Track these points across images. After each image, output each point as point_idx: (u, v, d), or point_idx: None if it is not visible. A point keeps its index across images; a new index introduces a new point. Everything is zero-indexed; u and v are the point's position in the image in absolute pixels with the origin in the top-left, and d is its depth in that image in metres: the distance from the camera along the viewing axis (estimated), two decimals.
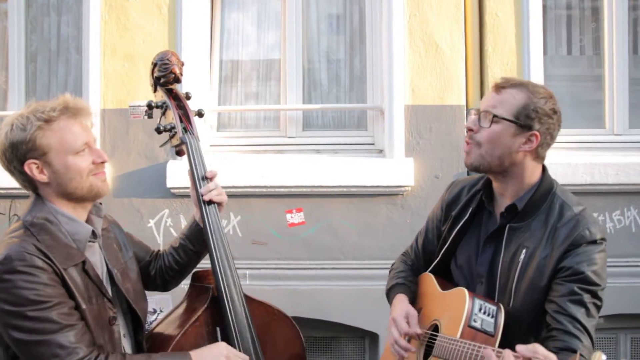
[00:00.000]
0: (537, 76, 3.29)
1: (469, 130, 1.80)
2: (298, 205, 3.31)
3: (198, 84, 3.39)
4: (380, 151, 3.43)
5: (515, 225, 1.79)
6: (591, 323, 1.67)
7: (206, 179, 1.83)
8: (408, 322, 1.82)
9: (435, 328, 1.81)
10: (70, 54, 3.69)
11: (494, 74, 3.30)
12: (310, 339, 3.37)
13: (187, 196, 3.37)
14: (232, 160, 3.39)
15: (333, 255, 3.29)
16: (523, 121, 1.75)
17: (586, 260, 1.69)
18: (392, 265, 2.16)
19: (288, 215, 3.32)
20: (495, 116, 1.75)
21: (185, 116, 1.77)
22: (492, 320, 1.69)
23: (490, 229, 1.86)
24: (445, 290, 1.87)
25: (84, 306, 1.55)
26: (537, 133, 1.75)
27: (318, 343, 3.39)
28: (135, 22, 3.40)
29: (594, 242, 1.71)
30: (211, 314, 1.79)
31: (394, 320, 1.85)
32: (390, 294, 2.03)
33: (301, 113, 3.54)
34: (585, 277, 1.67)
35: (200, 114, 1.85)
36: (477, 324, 1.67)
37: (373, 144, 3.48)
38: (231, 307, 1.77)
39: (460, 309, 1.70)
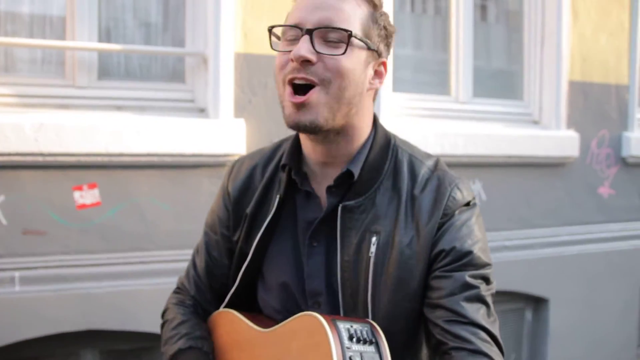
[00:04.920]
0: None
1: (304, 62, 1.15)
2: (90, 180, 2.47)
3: None
4: (202, 110, 2.71)
5: (352, 203, 1.21)
6: (496, 324, 1.17)
7: None
8: None
9: None
10: None
11: None
12: (113, 353, 2.58)
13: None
14: None
15: (140, 246, 2.52)
16: (375, 43, 1.20)
17: (468, 233, 1.19)
18: (163, 312, 1.45)
19: (76, 194, 2.45)
20: (351, 35, 1.14)
21: None
22: (374, 348, 1.09)
23: (313, 217, 1.26)
24: (270, 328, 1.21)
25: None
26: (385, 61, 1.24)
27: (124, 358, 2.61)
28: None
29: (468, 204, 1.23)
30: None
31: None
32: None
33: (96, 56, 2.64)
34: (474, 257, 1.18)
35: None
36: None
37: (192, 101, 2.74)
38: None
39: (322, 351, 1.06)
